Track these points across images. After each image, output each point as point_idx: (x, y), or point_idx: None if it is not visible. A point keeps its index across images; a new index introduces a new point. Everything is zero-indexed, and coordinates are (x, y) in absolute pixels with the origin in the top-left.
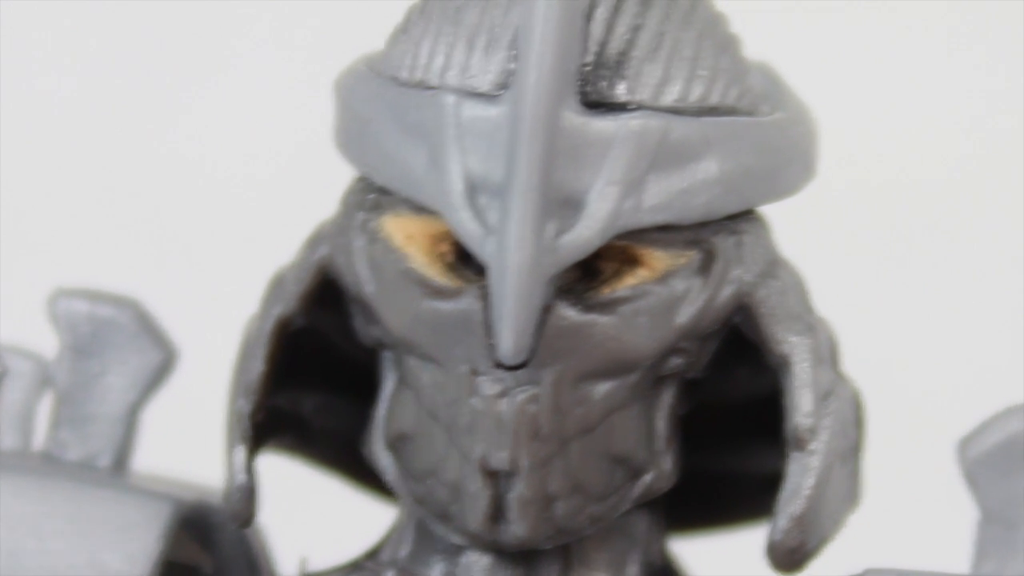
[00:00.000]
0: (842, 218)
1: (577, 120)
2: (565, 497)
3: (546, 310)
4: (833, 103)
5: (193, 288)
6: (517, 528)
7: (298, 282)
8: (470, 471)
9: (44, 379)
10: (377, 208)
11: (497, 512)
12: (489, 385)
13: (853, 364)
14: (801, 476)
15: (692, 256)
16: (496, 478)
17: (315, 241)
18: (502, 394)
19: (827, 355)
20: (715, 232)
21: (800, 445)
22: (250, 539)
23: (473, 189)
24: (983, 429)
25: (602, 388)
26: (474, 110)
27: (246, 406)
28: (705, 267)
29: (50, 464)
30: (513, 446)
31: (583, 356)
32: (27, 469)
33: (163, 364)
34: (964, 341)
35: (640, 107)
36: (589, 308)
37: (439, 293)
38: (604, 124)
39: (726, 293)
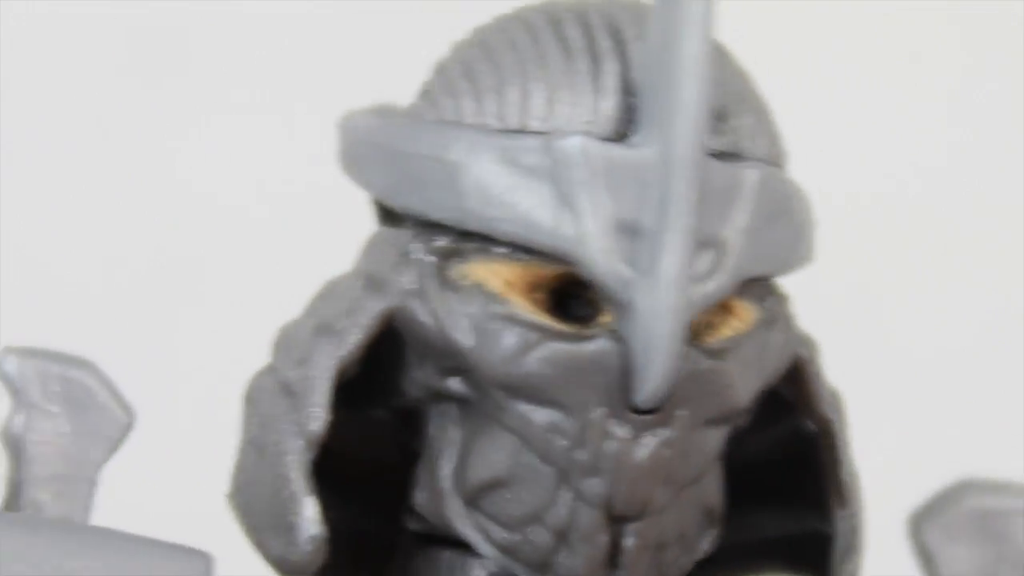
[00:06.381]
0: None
1: (710, 166)
2: (672, 545)
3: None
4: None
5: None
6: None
7: (360, 329)
8: (589, 515)
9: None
10: (456, 255)
11: (612, 559)
12: (622, 429)
13: None
14: (850, 534)
15: (763, 311)
16: (618, 523)
17: (373, 289)
18: (635, 438)
19: None
20: (769, 290)
21: (845, 504)
22: None
23: (614, 232)
24: (937, 503)
25: (714, 435)
26: (606, 153)
27: (309, 455)
28: (771, 322)
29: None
30: (646, 490)
31: (705, 401)
32: (56, 524)
33: (126, 426)
34: None
35: (744, 156)
36: (709, 354)
37: (562, 336)
38: (731, 171)
39: (789, 349)
